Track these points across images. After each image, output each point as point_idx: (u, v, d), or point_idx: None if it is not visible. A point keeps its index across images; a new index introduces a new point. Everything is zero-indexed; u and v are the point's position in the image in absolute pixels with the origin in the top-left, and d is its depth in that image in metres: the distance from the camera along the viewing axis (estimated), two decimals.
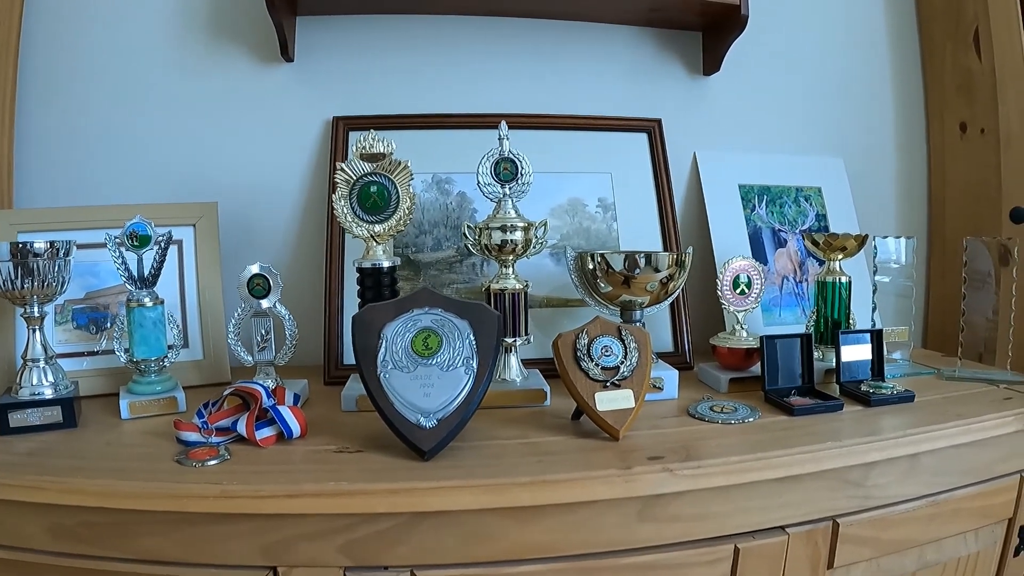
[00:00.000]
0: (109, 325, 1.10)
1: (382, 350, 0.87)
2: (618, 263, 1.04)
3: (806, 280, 1.29)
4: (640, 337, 0.95)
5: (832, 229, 1.32)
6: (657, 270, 1.04)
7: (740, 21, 1.20)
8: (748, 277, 1.13)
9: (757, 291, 1.13)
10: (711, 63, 1.29)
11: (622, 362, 0.92)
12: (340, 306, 1.12)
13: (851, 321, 1.16)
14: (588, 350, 0.92)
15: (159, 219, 1.04)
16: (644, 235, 1.20)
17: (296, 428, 0.90)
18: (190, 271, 1.12)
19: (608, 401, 0.90)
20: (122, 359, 1.03)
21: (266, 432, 0.90)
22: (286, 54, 1.18)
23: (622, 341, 0.94)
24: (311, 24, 1.23)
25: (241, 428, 0.89)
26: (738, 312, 1.12)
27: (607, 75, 1.28)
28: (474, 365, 0.87)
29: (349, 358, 1.11)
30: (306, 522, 0.77)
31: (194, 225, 1.13)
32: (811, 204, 1.32)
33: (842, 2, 1.41)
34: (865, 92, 1.43)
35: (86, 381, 1.06)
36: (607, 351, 0.93)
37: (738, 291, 1.13)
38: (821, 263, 1.18)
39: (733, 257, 1.12)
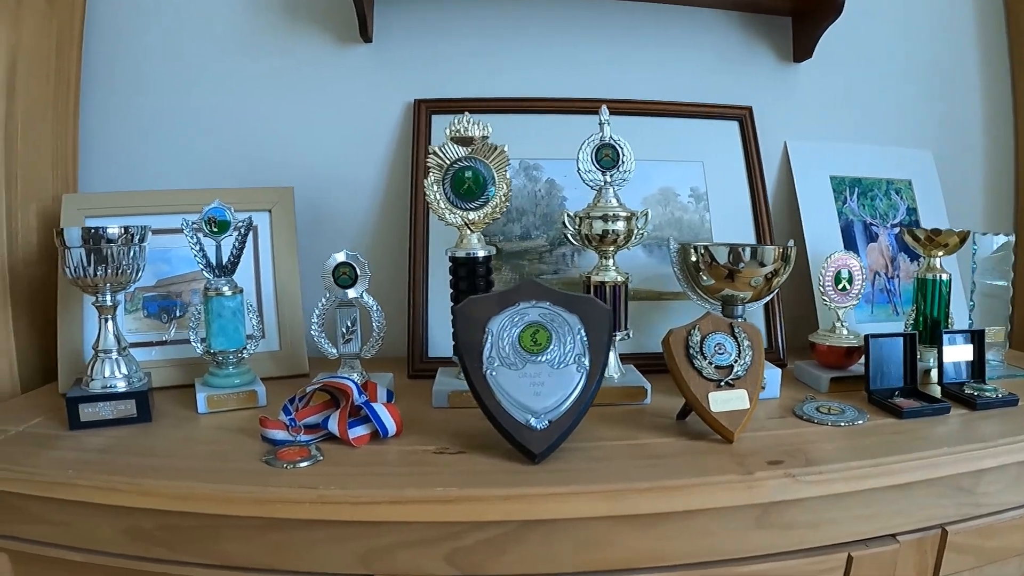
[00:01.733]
0: (181, 314, 1.05)
1: (488, 345, 0.81)
2: (722, 256, 0.98)
3: (897, 276, 1.24)
4: (753, 335, 0.90)
5: (922, 223, 1.26)
6: (762, 264, 0.98)
7: (835, 7, 1.15)
8: (849, 272, 1.08)
9: (858, 287, 1.08)
10: (802, 50, 1.24)
11: (735, 361, 0.87)
12: (425, 296, 1.07)
13: (950, 320, 1.11)
14: (701, 347, 0.87)
15: (232, 204, 0.98)
16: (737, 227, 1.15)
17: (392, 427, 0.85)
18: (266, 258, 1.07)
19: (722, 402, 0.85)
20: (198, 350, 0.98)
21: (360, 431, 0.84)
22: (365, 35, 1.13)
23: (735, 338, 0.88)
24: (388, 4, 1.18)
25: (332, 426, 0.84)
26: (839, 308, 1.07)
27: (695, 60, 1.23)
28: (586, 363, 0.81)
29: (434, 351, 1.06)
30: (408, 529, 0.72)
31: (270, 211, 1.07)
32: (902, 197, 1.27)
33: None
34: (953, 83, 1.38)
35: (156, 372, 1.02)
36: (720, 349, 0.88)
37: (839, 287, 1.07)
38: (915, 259, 1.12)
39: (835, 252, 1.07)
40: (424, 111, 1.13)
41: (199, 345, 0.97)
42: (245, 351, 0.97)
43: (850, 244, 1.21)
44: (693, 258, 1.00)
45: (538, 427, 0.77)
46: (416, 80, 1.18)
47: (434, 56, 1.19)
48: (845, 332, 1.07)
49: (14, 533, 0.82)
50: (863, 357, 1.00)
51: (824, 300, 1.07)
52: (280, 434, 0.83)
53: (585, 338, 0.82)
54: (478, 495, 0.71)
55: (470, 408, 0.93)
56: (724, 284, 1.00)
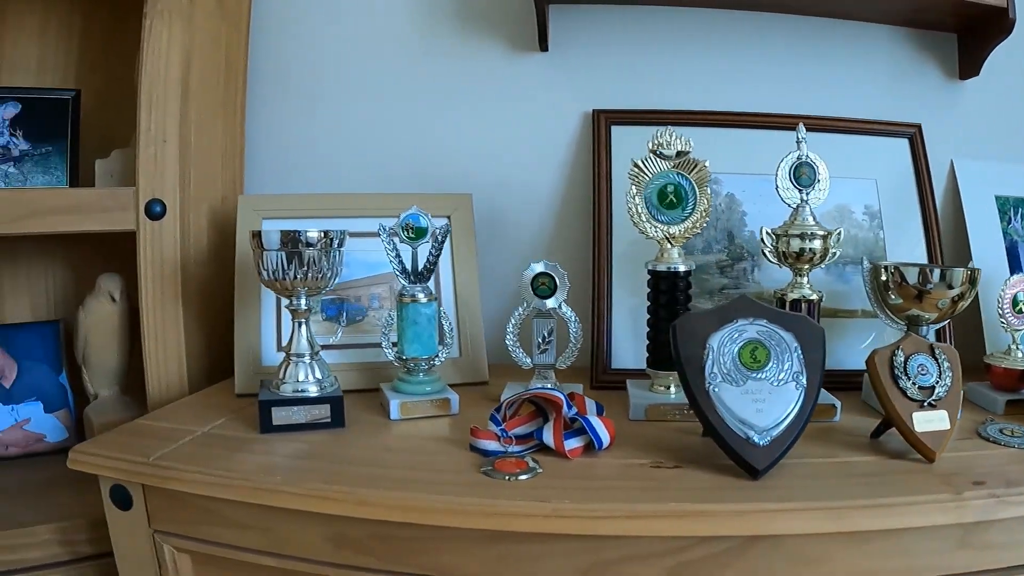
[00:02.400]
0: (360, 318, 1.04)
1: (709, 361, 0.81)
2: (912, 276, 0.98)
3: None
4: (952, 356, 0.89)
5: None
6: (950, 286, 0.98)
7: (1006, 25, 1.13)
8: None
9: None
10: (968, 67, 1.22)
11: (937, 382, 0.87)
12: (609, 307, 1.06)
13: None
14: (904, 368, 0.86)
15: (406, 210, 0.98)
16: (909, 246, 1.14)
17: (606, 439, 0.84)
18: (445, 265, 1.06)
19: (925, 422, 0.84)
20: (389, 355, 0.97)
21: (574, 443, 0.84)
22: (543, 43, 1.12)
23: (935, 360, 0.88)
24: (565, 12, 1.17)
25: (547, 438, 0.83)
26: (1016, 331, 1.06)
27: (863, 76, 1.22)
28: (803, 381, 0.81)
29: (617, 362, 1.05)
30: (634, 543, 0.71)
31: (448, 217, 1.07)
32: None
33: None
34: None
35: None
36: (923, 370, 0.87)
37: (1016, 310, 1.07)
38: None
39: (1013, 275, 1.06)
40: (603, 121, 1.12)
41: (390, 351, 0.97)
42: (437, 359, 0.96)
43: (1014, 265, 1.19)
44: (883, 277, 1.00)
45: (761, 443, 0.77)
46: (593, 90, 1.17)
47: (612, 66, 1.18)
48: (1020, 355, 1.06)
49: (200, 535, 0.82)
50: None
51: (1002, 323, 1.06)
52: (492, 444, 0.83)
53: (802, 356, 0.82)
54: (710, 510, 0.70)
55: (667, 422, 0.94)
56: (911, 304, 0.99)
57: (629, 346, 1.06)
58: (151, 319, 1.05)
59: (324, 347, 1.04)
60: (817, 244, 0.96)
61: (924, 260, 1.15)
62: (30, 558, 0.92)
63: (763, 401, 0.80)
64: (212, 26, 1.12)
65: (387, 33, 1.18)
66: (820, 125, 1.13)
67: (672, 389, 0.96)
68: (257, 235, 0.90)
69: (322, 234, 0.90)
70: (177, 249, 1.05)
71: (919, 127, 1.19)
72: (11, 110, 1.19)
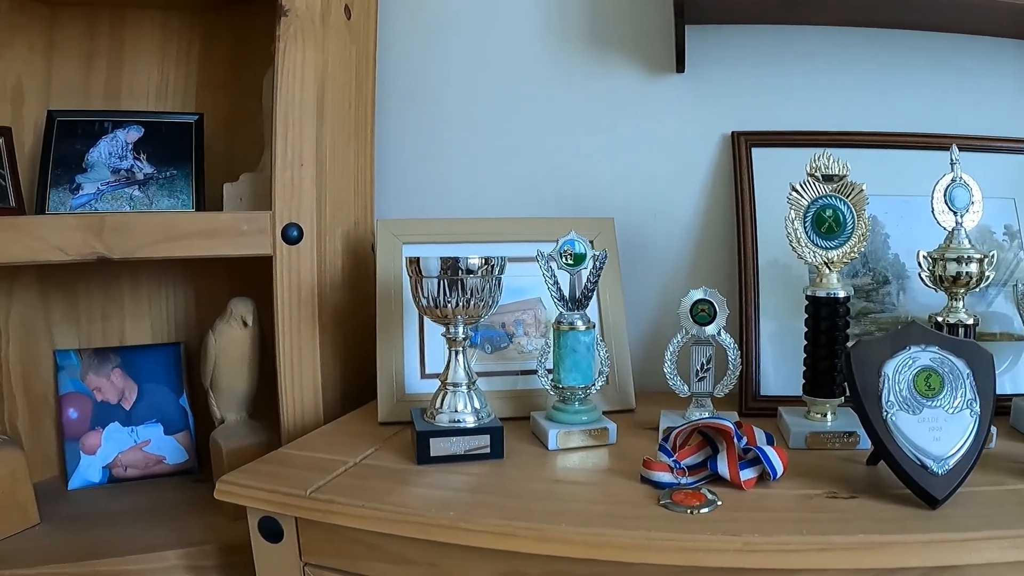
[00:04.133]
0: (505, 345, 1.04)
1: (885, 389, 0.80)
2: None
3: None
4: None
5: None
6: None
7: None
8: None
9: None
10: None
11: None
12: (757, 333, 1.05)
13: None
14: None
15: (551, 234, 0.97)
16: None
17: (780, 469, 0.83)
18: None
19: None
20: (545, 383, 0.97)
21: (749, 473, 0.83)
22: (680, 64, 1.12)
23: None
24: (701, 33, 1.17)
25: (722, 469, 0.83)
26: None
27: (995, 92, 1.20)
28: (977, 408, 0.80)
29: (766, 389, 1.04)
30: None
31: (591, 242, 1.06)
32: None
33: None
34: None
35: None
36: None
37: None
38: None
39: None
40: (744, 143, 1.11)
41: (546, 378, 0.97)
42: (593, 387, 0.96)
43: None
44: None
45: (939, 471, 0.76)
46: (732, 111, 1.17)
47: (750, 87, 1.18)
48: None
49: (359, 570, 0.81)
50: None
51: None
52: (665, 476, 0.82)
53: (974, 383, 0.81)
54: (900, 540, 0.69)
55: (827, 450, 0.93)
56: None
57: (773, 371, 1.05)
58: (287, 344, 1.04)
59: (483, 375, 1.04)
60: (973, 268, 0.95)
61: None
62: None
63: (940, 429, 0.79)
64: (342, 49, 1.12)
65: (517, 55, 1.18)
66: (956, 143, 1.12)
67: (830, 416, 0.95)
68: (416, 261, 0.89)
69: (483, 261, 0.89)
70: (314, 274, 1.04)
71: None
72: (134, 133, 1.20)
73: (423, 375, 1.04)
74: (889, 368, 0.81)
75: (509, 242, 1.02)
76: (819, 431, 0.93)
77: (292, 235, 1.04)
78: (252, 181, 1.13)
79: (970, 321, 0.96)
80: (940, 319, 0.97)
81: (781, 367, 1.05)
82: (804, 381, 0.96)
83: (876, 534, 0.70)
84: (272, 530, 0.84)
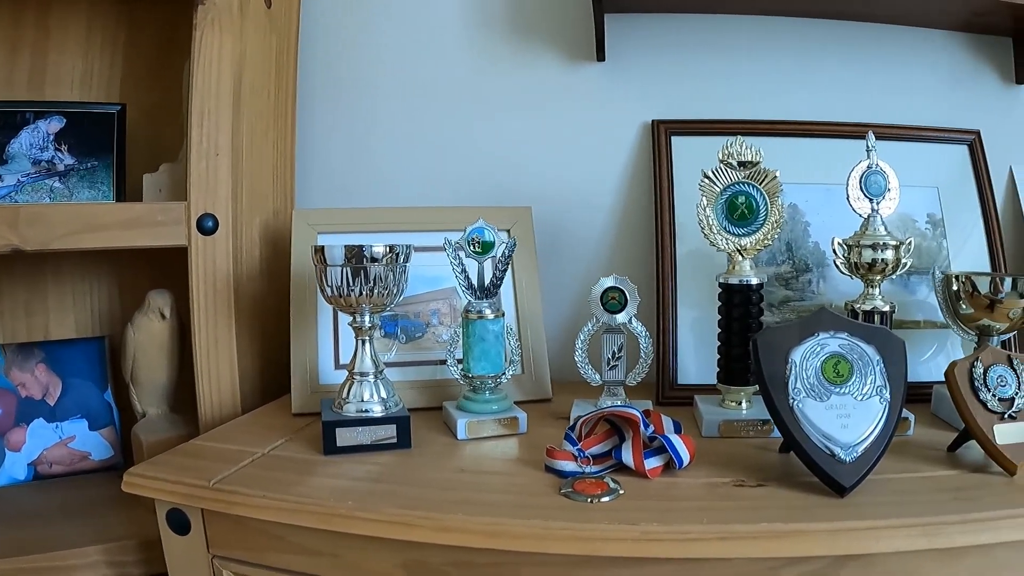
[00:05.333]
0: (420, 335, 1.03)
1: (792, 376, 0.79)
2: (984, 285, 0.96)
3: None
4: None
5: None
6: (1022, 296, 0.96)
7: None
8: None
9: None
10: None
11: (1016, 393, 0.85)
12: (674, 322, 1.04)
13: None
14: (984, 380, 0.85)
15: (469, 223, 0.96)
16: (972, 254, 1.12)
17: (686, 458, 0.82)
18: (506, 280, 1.03)
19: (1007, 434, 0.82)
20: (454, 373, 0.95)
21: (654, 462, 0.82)
22: (600, 53, 1.11)
23: (1014, 371, 0.86)
24: (621, 22, 1.16)
25: (627, 457, 0.81)
26: None
27: (921, 82, 1.20)
28: (887, 395, 0.79)
29: (683, 378, 1.03)
30: (723, 565, 0.69)
31: (508, 231, 1.05)
32: None
33: None
34: None
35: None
36: (1002, 381, 0.85)
37: None
38: None
39: None
40: (663, 132, 1.10)
41: (455, 368, 0.95)
42: (503, 376, 0.95)
43: None
44: (954, 287, 0.98)
45: (847, 459, 0.75)
46: (652, 100, 1.16)
47: (670, 75, 1.17)
48: None
49: (265, 562, 0.80)
50: None
51: None
52: (569, 465, 0.81)
53: (884, 370, 0.81)
54: (805, 529, 0.68)
55: (741, 438, 0.92)
56: (983, 314, 0.98)
57: (692, 360, 1.04)
58: (203, 336, 1.03)
59: (394, 364, 1.03)
60: (889, 254, 0.94)
61: (987, 268, 1.13)
62: None
63: (848, 416, 0.78)
64: (262, 37, 1.11)
65: (440, 45, 1.17)
66: (879, 132, 1.08)
67: (744, 405, 0.94)
68: (320, 250, 0.88)
69: (388, 249, 0.88)
70: (230, 264, 1.03)
71: (978, 133, 1.18)
72: (56, 124, 1.18)
73: (337, 366, 1.03)
74: (796, 355, 0.80)
75: (426, 231, 1.00)
76: (733, 419, 0.92)
77: (207, 226, 1.02)
78: (171, 171, 1.12)
79: (886, 308, 0.95)
80: (856, 306, 0.96)
81: (702, 356, 1.04)
82: (718, 369, 0.95)
83: (779, 522, 0.69)
84: (180, 522, 0.82)
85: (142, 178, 1.12)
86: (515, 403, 0.99)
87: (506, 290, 1.04)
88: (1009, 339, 1.12)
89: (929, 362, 1.08)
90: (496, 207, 1.07)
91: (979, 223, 1.13)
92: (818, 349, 0.81)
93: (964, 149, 1.16)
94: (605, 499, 0.74)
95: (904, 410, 0.95)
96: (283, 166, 1.16)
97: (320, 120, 1.17)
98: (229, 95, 1.03)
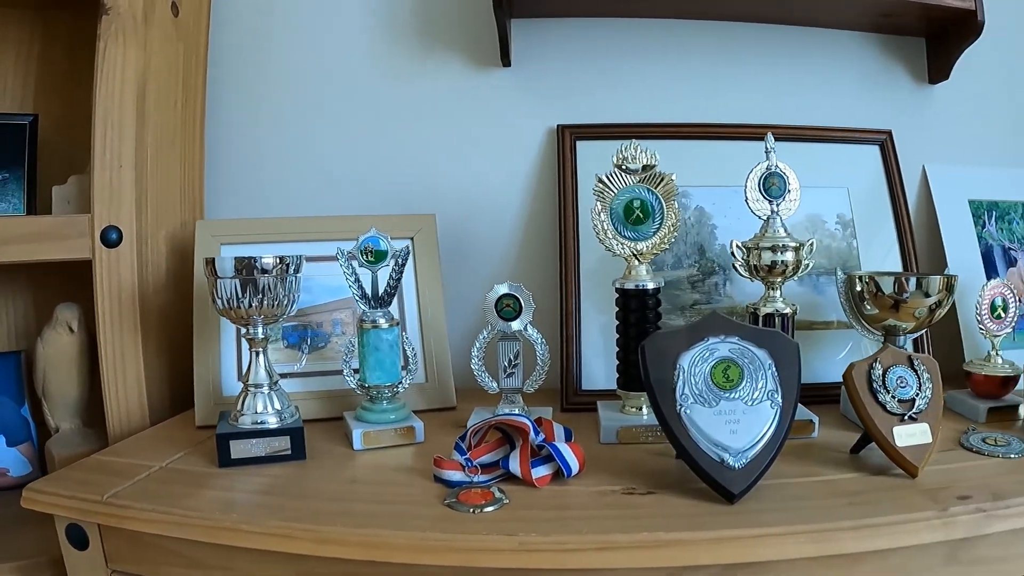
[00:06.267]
0: (323, 345, 1.02)
1: (680, 382, 0.78)
2: (887, 286, 0.96)
3: None
4: (932, 367, 0.87)
5: None
6: (927, 295, 0.96)
7: (975, 28, 1.12)
8: (1004, 300, 1.05)
9: (1012, 314, 1.05)
10: (938, 71, 1.21)
11: (917, 394, 0.84)
12: (578, 327, 1.04)
13: None
14: (883, 381, 0.84)
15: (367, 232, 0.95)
16: (883, 254, 1.12)
17: (575, 467, 0.81)
18: (409, 287, 1.04)
19: (907, 436, 0.82)
20: (351, 383, 0.94)
21: (542, 471, 0.81)
22: (505, 58, 1.11)
23: (915, 371, 0.86)
24: (528, 27, 1.15)
25: (514, 467, 0.81)
26: (994, 337, 1.04)
27: (832, 83, 1.21)
28: (779, 399, 0.78)
29: (588, 383, 1.02)
30: (606, 575, 0.68)
31: (412, 239, 1.04)
32: None
33: None
34: None
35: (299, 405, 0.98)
36: (902, 382, 0.85)
37: (995, 315, 1.05)
38: None
39: (990, 281, 1.05)
40: (568, 137, 1.10)
41: (352, 378, 0.94)
42: (400, 385, 0.94)
43: (990, 270, 1.18)
44: (858, 288, 0.98)
45: (736, 465, 0.74)
46: (557, 105, 1.16)
47: (575, 81, 1.17)
48: (1000, 361, 1.04)
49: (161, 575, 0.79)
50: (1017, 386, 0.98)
51: (980, 329, 1.04)
52: (456, 475, 0.80)
53: (776, 373, 0.80)
54: (688, 538, 0.68)
55: (640, 444, 0.91)
56: (888, 314, 0.98)
57: (600, 366, 1.03)
58: (109, 349, 1.02)
59: (288, 375, 1.02)
60: (789, 256, 0.94)
61: (898, 268, 1.14)
62: None
63: (737, 422, 0.77)
64: (169, 48, 1.10)
65: (348, 52, 1.16)
66: (789, 134, 1.11)
67: (644, 410, 0.94)
68: (211, 262, 0.87)
69: (277, 260, 0.87)
70: (135, 277, 1.02)
71: (890, 133, 1.18)
72: None
73: (240, 377, 1.01)
74: (685, 360, 0.80)
75: (330, 240, 0.99)
76: (631, 425, 0.91)
77: (111, 238, 1.01)
78: (80, 183, 1.10)
79: (787, 310, 0.95)
80: (757, 309, 0.95)
81: (609, 361, 1.02)
82: (618, 375, 0.94)
83: (661, 531, 0.68)
84: (78, 538, 0.82)
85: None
86: (419, 412, 0.98)
87: (409, 298, 1.03)
88: (923, 337, 1.13)
89: (843, 362, 1.07)
90: (400, 215, 1.06)
91: (890, 223, 1.13)
92: (707, 354, 0.80)
93: (876, 149, 1.16)
94: (489, 509, 0.73)
95: (809, 412, 0.96)
96: (191, 176, 1.14)
97: (232, 128, 1.16)
98: (133, 106, 1.02)
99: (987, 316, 1.04)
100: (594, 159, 1.08)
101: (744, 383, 0.79)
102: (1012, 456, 0.86)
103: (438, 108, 1.17)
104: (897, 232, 1.13)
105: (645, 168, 0.92)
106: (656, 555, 0.68)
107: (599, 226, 0.91)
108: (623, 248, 0.91)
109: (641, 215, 0.91)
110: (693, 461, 0.76)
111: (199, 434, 0.98)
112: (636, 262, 0.92)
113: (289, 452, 0.87)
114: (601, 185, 0.91)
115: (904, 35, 1.21)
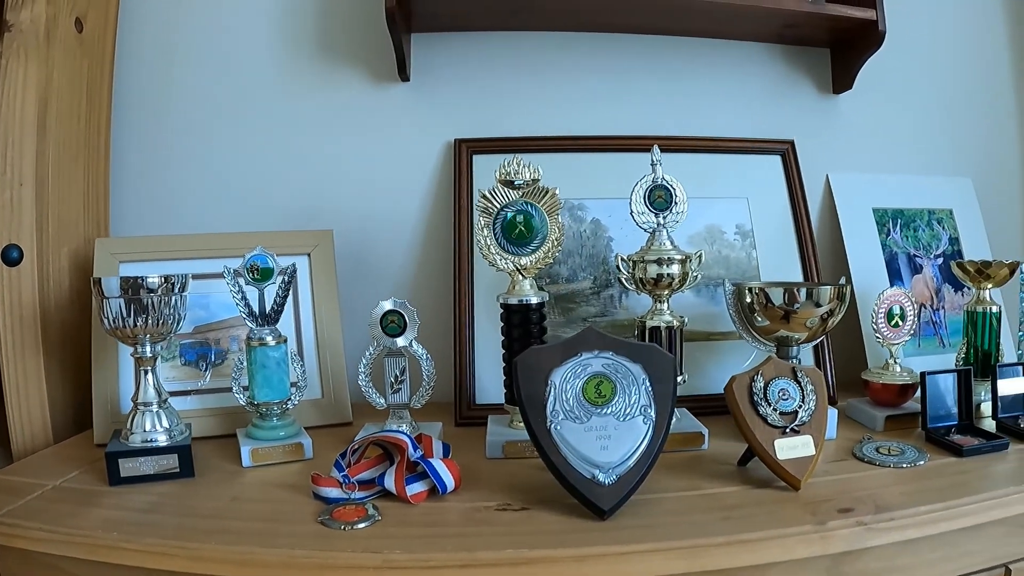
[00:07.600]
0: (220, 362, 1.02)
1: (551, 398, 0.79)
2: (778, 297, 0.97)
3: (943, 308, 1.22)
4: (816, 379, 0.88)
5: (965, 252, 1.25)
6: (818, 305, 0.96)
7: (876, 38, 1.13)
8: (901, 308, 1.06)
9: (911, 323, 1.06)
10: (842, 81, 1.22)
11: (800, 406, 0.85)
12: (471, 342, 1.04)
13: (1000, 353, 1.09)
14: (765, 394, 0.85)
15: (269, 248, 0.95)
16: (783, 263, 1.13)
17: (450, 483, 0.82)
18: (305, 304, 1.04)
19: (788, 449, 0.83)
20: (241, 400, 0.95)
21: (417, 487, 0.81)
22: (403, 73, 1.11)
23: (798, 383, 0.86)
24: (426, 42, 1.16)
25: (389, 483, 0.81)
26: (892, 345, 1.05)
27: (737, 94, 1.22)
28: (652, 414, 0.79)
29: (482, 397, 1.03)
30: None
31: (308, 255, 1.05)
32: (943, 227, 1.25)
33: (968, 17, 1.34)
34: (990, 110, 1.36)
35: (195, 422, 0.98)
36: (784, 395, 0.86)
37: (892, 323, 1.06)
38: (959, 289, 1.11)
39: (886, 289, 1.06)
40: (465, 151, 1.10)
41: (241, 395, 0.95)
42: (289, 402, 0.94)
43: (895, 277, 1.19)
44: (748, 299, 0.98)
45: (606, 482, 0.75)
46: (456, 119, 1.16)
47: (473, 95, 1.17)
48: (898, 369, 1.05)
49: None
50: (916, 393, 0.99)
51: (877, 337, 1.05)
52: (333, 492, 0.81)
53: (650, 388, 0.80)
54: (552, 556, 0.68)
55: (526, 459, 0.91)
56: (779, 325, 0.98)
57: (494, 381, 1.03)
58: (11, 368, 1.01)
59: (189, 392, 1.02)
60: (675, 269, 0.94)
61: (800, 278, 1.14)
62: None
63: (608, 437, 0.78)
64: (72, 64, 1.10)
65: (252, 69, 1.17)
66: (688, 145, 1.12)
67: None
68: (98, 283, 0.87)
69: (163, 279, 0.87)
70: (36, 295, 1.02)
71: (791, 143, 1.19)
72: None
73: None
74: (556, 377, 0.80)
75: (229, 257, 0.99)
76: (516, 440, 0.92)
77: (12, 256, 1.01)
78: None
79: (675, 323, 0.96)
80: (644, 322, 0.96)
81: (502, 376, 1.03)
82: (505, 390, 0.94)
83: (525, 548, 0.68)
84: None
85: None
86: (315, 427, 0.99)
87: (305, 314, 1.03)
88: (823, 346, 1.14)
89: None
90: (296, 231, 1.07)
91: (792, 232, 1.14)
92: (579, 370, 0.81)
93: (777, 159, 1.17)
94: (361, 526, 0.73)
95: (699, 424, 0.97)
96: (96, 191, 1.14)
97: (137, 145, 1.16)
98: (34, 122, 1.02)
99: (884, 324, 1.05)
100: (491, 173, 1.06)
101: (617, 398, 0.79)
102: (904, 466, 0.88)
103: (338, 123, 1.18)
104: (798, 241, 1.13)
105: (528, 183, 0.92)
106: (520, 572, 0.68)
107: (482, 241, 0.91)
108: (506, 263, 0.92)
109: (524, 230, 0.91)
110: (563, 478, 0.76)
111: (97, 452, 0.97)
112: (520, 277, 0.92)
113: (178, 470, 0.88)
114: (485, 201, 0.91)
115: (808, 46, 1.22)
